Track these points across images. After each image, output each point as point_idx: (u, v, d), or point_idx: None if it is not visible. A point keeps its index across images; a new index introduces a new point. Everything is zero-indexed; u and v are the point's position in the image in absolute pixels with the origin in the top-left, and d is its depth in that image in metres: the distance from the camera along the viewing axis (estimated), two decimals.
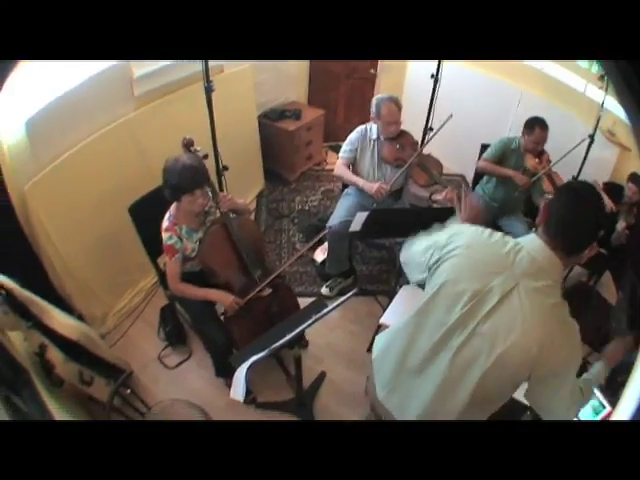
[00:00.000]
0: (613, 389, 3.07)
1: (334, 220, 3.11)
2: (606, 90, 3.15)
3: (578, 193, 1.39)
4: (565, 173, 3.78)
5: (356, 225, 2.55)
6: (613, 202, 3.34)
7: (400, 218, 2.74)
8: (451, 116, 2.98)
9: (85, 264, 2.77)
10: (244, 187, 3.99)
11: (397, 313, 2.59)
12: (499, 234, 1.48)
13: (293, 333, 2.06)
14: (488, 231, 1.49)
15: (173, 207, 2.34)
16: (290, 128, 4.17)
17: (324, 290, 3.41)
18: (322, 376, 2.84)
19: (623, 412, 0.88)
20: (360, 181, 3.07)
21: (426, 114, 3.84)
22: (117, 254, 2.95)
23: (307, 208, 4.17)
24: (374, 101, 3.04)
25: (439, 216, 2.87)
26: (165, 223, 2.32)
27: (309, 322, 2.09)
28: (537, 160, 3.29)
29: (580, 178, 3.89)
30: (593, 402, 2.40)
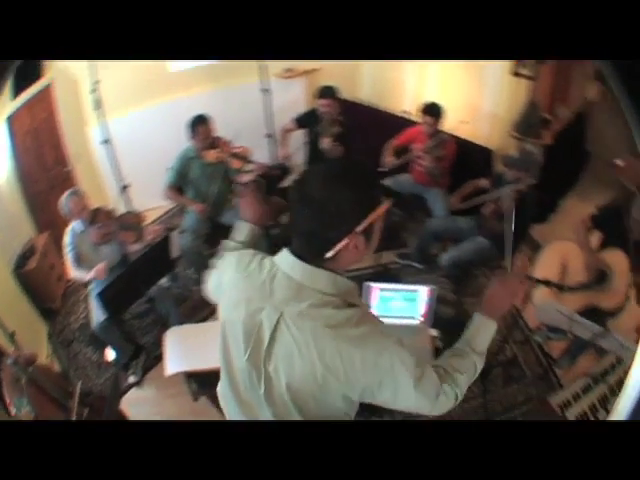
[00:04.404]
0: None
1: (95, 318, 3.22)
2: None
3: (303, 191, 1.07)
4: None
5: (99, 315, 2.74)
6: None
7: (127, 281, 2.99)
8: None
9: None
10: (33, 342, 3.84)
11: (174, 359, 2.80)
12: (257, 259, 1.22)
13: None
14: (248, 260, 1.23)
15: None
16: (31, 266, 4.16)
17: (131, 379, 3.40)
18: None
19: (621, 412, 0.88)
20: (83, 274, 3.19)
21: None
22: None
23: (84, 321, 4.14)
24: (61, 203, 3.16)
25: (146, 259, 3.17)
26: None
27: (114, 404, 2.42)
28: (216, 150, 3.50)
29: (271, 131, 4.34)
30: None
